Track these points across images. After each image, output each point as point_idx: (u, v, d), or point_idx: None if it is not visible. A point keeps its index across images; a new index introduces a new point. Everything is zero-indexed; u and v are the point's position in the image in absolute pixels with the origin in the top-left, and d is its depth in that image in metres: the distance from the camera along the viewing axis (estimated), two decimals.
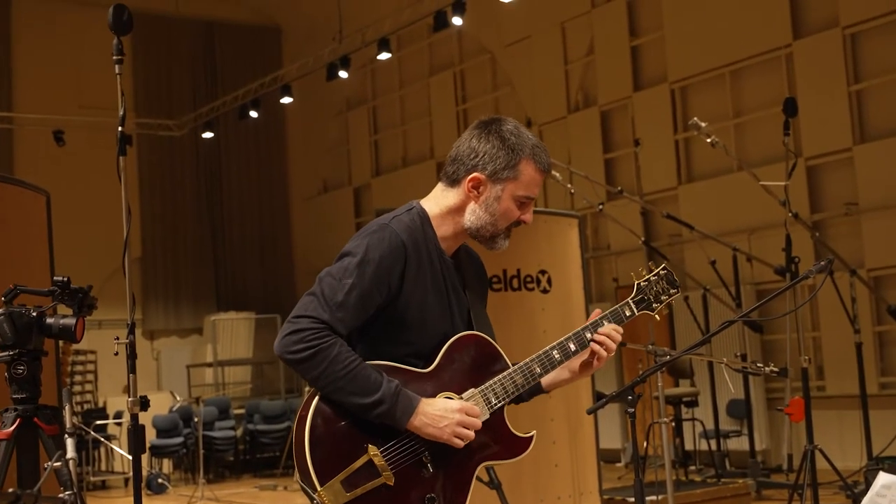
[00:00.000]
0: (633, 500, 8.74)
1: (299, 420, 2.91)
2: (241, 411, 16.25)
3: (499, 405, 3.02)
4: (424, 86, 18.11)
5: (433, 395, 2.97)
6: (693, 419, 10.94)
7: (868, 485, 7.93)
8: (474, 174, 3.06)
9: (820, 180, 12.27)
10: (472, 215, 3.06)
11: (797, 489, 6.76)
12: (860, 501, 7.32)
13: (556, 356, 3.11)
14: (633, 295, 3.26)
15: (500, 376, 3.04)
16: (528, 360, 3.09)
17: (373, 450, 2.88)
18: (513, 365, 3.09)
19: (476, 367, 3.05)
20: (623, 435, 13.13)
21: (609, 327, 3.16)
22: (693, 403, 10.71)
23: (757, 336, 11.92)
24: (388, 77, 19.06)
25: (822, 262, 3.47)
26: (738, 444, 11.62)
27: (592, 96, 15.05)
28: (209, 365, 18.30)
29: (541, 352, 3.10)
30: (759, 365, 5.58)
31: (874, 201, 11.48)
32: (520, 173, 3.04)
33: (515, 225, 3.11)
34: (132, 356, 3.68)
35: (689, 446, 11.37)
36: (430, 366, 3.01)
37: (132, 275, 3.90)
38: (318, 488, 2.82)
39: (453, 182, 3.11)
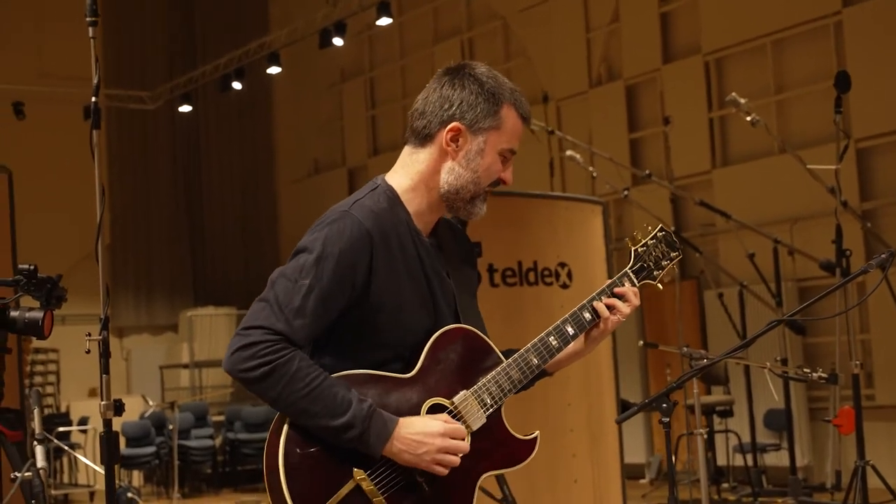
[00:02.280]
0: None
1: (269, 448, 2.78)
2: (221, 418, 16.26)
3: (495, 406, 2.93)
4: (428, 55, 18.06)
5: (419, 403, 2.86)
6: (727, 431, 10.94)
7: None
8: (452, 124, 2.93)
9: (872, 165, 12.25)
10: (451, 174, 2.94)
11: None
12: None
13: (554, 343, 3.02)
14: (630, 264, 3.17)
15: (494, 373, 2.94)
16: (522, 350, 3.00)
17: (359, 474, 2.77)
18: (506, 358, 3.00)
19: (465, 364, 2.94)
20: (647, 448, 13.13)
21: (625, 289, 3.09)
22: (728, 413, 10.71)
23: (799, 339, 11.90)
24: (387, 45, 19.03)
25: (883, 255, 3.45)
26: (777, 458, 11.61)
27: (617, 69, 15.02)
28: (185, 366, 18.32)
29: (536, 340, 3.01)
30: (805, 370, 5.56)
31: None
32: (503, 121, 2.93)
33: (495, 185, 2.99)
34: (105, 355, 3.67)
35: (721, 461, 11.38)
36: (412, 369, 2.88)
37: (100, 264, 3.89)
38: None
39: (423, 140, 2.98)
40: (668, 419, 3.64)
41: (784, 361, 9.86)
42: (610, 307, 3.07)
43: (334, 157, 20.34)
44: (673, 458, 9.27)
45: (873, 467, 6.71)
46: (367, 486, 2.76)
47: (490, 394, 2.91)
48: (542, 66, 15.86)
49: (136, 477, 15.27)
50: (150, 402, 13.48)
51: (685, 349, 5.38)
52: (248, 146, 20.97)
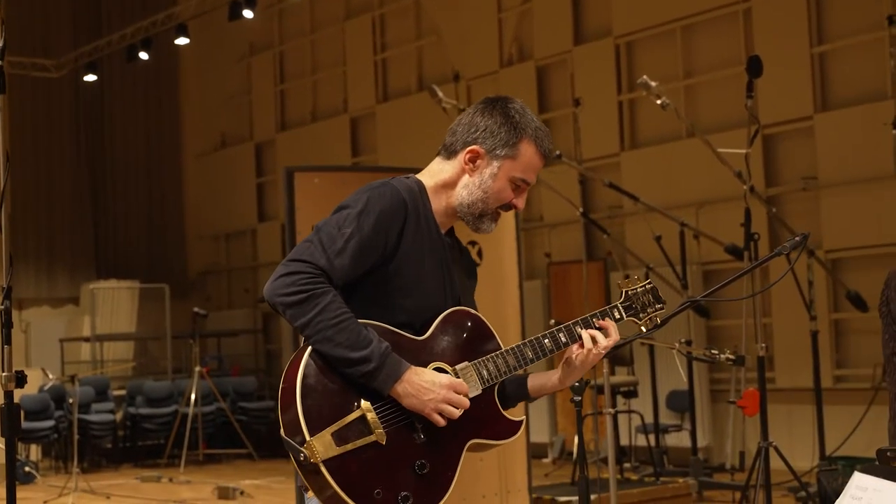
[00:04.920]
0: (563, 499, 8.81)
1: (289, 368, 3.06)
2: (122, 392, 16.03)
3: (490, 382, 3.21)
4: (339, 31, 17.93)
5: (424, 364, 3.14)
6: (630, 411, 11.03)
7: (821, 486, 8.08)
8: (472, 146, 3.27)
9: (777, 151, 12.42)
10: (465, 189, 3.28)
11: (747, 490, 6.84)
12: None
13: (548, 344, 3.28)
14: (621, 300, 3.46)
15: (493, 355, 3.23)
16: (518, 344, 3.27)
17: (366, 405, 3.03)
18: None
19: (469, 342, 3.25)
20: (551, 428, 13.20)
21: (610, 323, 3.34)
22: (632, 394, 10.80)
23: (703, 321, 12.05)
24: (297, 19, 18.84)
25: (797, 238, 3.48)
26: (679, 439, 11.75)
27: (528, 49, 15.03)
28: (86, 339, 17.99)
29: (531, 338, 3.29)
30: (713, 352, 5.62)
31: (834, 176, 11.64)
32: (519, 153, 3.26)
33: (506, 209, 3.33)
34: (7, 325, 3.56)
35: (624, 441, 11.47)
36: (423, 335, 3.20)
37: None
38: (308, 438, 2.95)
39: (450, 154, 3.33)
40: (579, 398, 3.63)
41: (689, 343, 9.95)
42: (593, 339, 3.30)
43: (242, 132, 20.10)
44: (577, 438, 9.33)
45: (776, 448, 6.81)
46: (372, 417, 3.03)
47: (488, 370, 3.21)
48: (453, 45, 15.82)
49: (34, 451, 14.98)
50: (50, 376, 13.22)
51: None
52: (154, 118, 20.62)
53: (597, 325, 3.32)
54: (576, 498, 8.09)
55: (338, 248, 3.07)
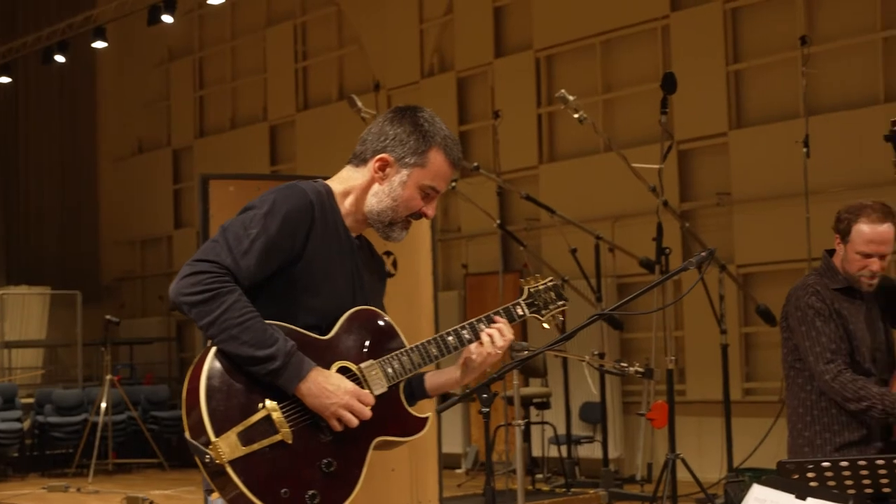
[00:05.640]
0: None
1: (193, 370, 3.07)
2: (30, 400, 15.75)
3: (396, 380, 3.24)
4: (260, 38, 17.84)
5: (329, 364, 3.17)
6: (543, 422, 11.09)
7: (728, 497, 8.20)
8: (382, 155, 3.30)
9: (692, 167, 12.59)
10: (375, 197, 3.30)
11: (655, 501, 6.92)
12: None
13: (451, 341, 3.33)
14: (524, 297, 3.50)
15: (398, 352, 3.27)
16: (422, 342, 3.31)
17: (272, 405, 3.05)
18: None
19: (374, 341, 3.28)
20: (465, 439, 13.22)
21: (503, 322, 3.39)
22: (545, 405, 10.86)
23: (616, 334, 12.15)
24: (218, 25, 18.72)
25: (704, 253, 3.54)
26: (591, 450, 11.84)
27: (449, 61, 15.09)
28: None
29: (436, 335, 3.34)
30: (623, 364, 5.68)
31: (747, 192, 11.83)
32: (428, 161, 3.30)
33: (416, 217, 3.36)
34: None
35: (536, 452, 11.54)
36: (327, 335, 3.22)
37: None
38: (213, 439, 2.95)
39: (360, 162, 3.35)
40: (487, 409, 3.66)
41: (602, 356, 10.04)
42: (491, 338, 3.35)
43: (159, 137, 19.91)
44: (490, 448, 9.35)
45: (683, 460, 6.89)
46: (277, 416, 3.05)
47: (393, 367, 3.24)
48: (374, 55, 15.82)
49: None
50: None
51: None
52: (70, 122, 20.33)
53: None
54: None
55: (244, 249, 3.08)
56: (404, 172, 3.29)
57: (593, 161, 13.05)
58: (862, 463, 3.52)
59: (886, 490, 3.52)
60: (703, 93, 12.17)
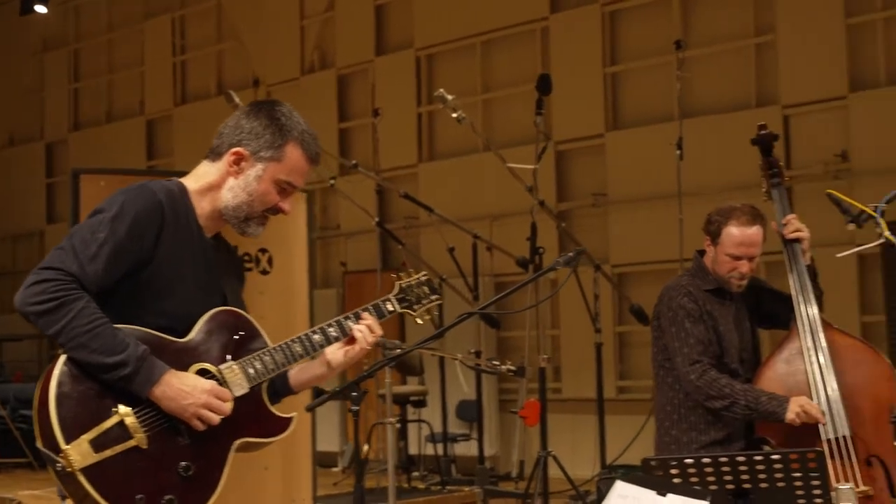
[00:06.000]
0: None
1: (44, 378, 2.99)
2: None
3: (258, 380, 3.20)
4: (137, 31, 17.56)
5: (187, 367, 3.11)
6: (420, 420, 11.12)
7: (600, 494, 8.30)
8: (237, 148, 3.26)
9: (569, 167, 12.73)
10: (230, 192, 3.25)
11: (527, 498, 6.99)
12: None
13: (317, 339, 3.30)
14: (395, 292, 3.50)
15: (260, 352, 3.23)
16: (287, 340, 3.28)
17: (125, 410, 2.99)
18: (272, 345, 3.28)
19: (235, 342, 3.23)
20: (342, 437, 13.19)
21: (371, 319, 3.38)
22: (421, 403, 10.89)
23: (493, 332, 12.23)
24: (94, 17, 18.37)
25: (570, 254, 3.58)
26: (467, 448, 11.90)
27: (330, 58, 15.03)
28: None
29: (301, 334, 3.30)
30: (494, 363, 5.73)
31: (623, 193, 12.02)
32: (284, 156, 3.26)
33: (274, 213, 3.31)
34: None
35: (413, 450, 11.56)
36: (185, 337, 3.17)
37: None
38: (64, 446, 2.89)
39: (216, 156, 3.32)
40: (357, 408, 3.67)
41: (478, 354, 10.11)
42: (357, 335, 3.35)
43: (31, 130, 19.45)
44: (366, 447, 9.36)
45: (554, 457, 6.97)
46: (131, 421, 2.99)
47: (254, 368, 3.19)
48: (254, 50, 15.69)
49: None
50: None
51: (379, 338, 5.41)
52: None
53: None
54: None
55: (91, 254, 3.03)
56: (260, 167, 3.25)
57: (473, 160, 13.12)
58: (723, 460, 3.59)
59: (747, 486, 3.60)
60: (581, 94, 12.32)
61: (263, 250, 6.78)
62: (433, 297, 3.57)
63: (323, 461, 12.63)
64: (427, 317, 3.56)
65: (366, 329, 3.34)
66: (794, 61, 11.18)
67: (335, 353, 3.34)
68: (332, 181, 9.49)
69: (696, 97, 11.61)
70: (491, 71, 13.51)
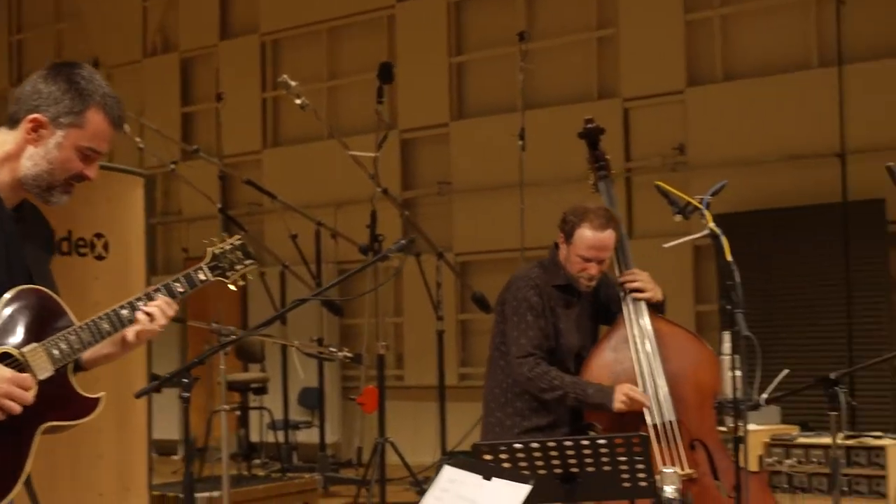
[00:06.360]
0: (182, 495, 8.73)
1: None
2: None
3: (63, 361, 3.07)
4: None
5: None
6: (262, 408, 11.05)
7: None
8: (34, 115, 3.08)
9: (414, 156, 12.79)
10: (30, 160, 3.08)
11: (364, 484, 7.01)
12: None
13: (125, 314, 3.17)
14: (207, 260, 3.39)
15: (66, 331, 3.09)
16: (94, 317, 3.14)
17: None
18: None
19: (38, 322, 3.07)
20: (182, 424, 13.03)
21: (162, 300, 3.23)
22: (262, 390, 10.82)
23: (337, 320, 12.22)
24: None
25: (403, 241, 3.61)
26: (309, 435, 11.88)
27: (173, 41, 14.80)
28: None
29: (108, 310, 3.17)
30: (332, 349, 5.73)
31: (467, 182, 12.12)
32: (86, 121, 3.09)
33: (78, 180, 3.16)
34: None
35: (255, 437, 11.49)
36: None
37: None
38: None
39: (13, 123, 3.12)
40: (188, 394, 3.63)
41: (320, 341, 10.10)
42: (152, 314, 3.20)
43: None
44: (207, 434, 9.23)
45: (392, 444, 7.00)
46: None
47: (59, 349, 3.05)
48: (94, 30, 15.35)
49: None
50: None
51: (214, 325, 5.38)
52: None
53: (177, 292, 3.27)
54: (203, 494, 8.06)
55: None
56: (60, 133, 3.09)
57: (318, 147, 13.07)
58: (551, 444, 3.67)
59: (574, 470, 3.68)
60: (427, 83, 12.39)
61: (99, 235, 6.65)
62: (247, 261, 3.45)
63: (163, 449, 12.47)
64: (242, 283, 3.46)
65: (155, 310, 3.21)
66: (635, 55, 11.42)
67: (127, 331, 3.21)
68: (172, 166, 9.37)
69: (540, 89, 11.77)
70: (337, 58, 13.48)
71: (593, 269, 4.85)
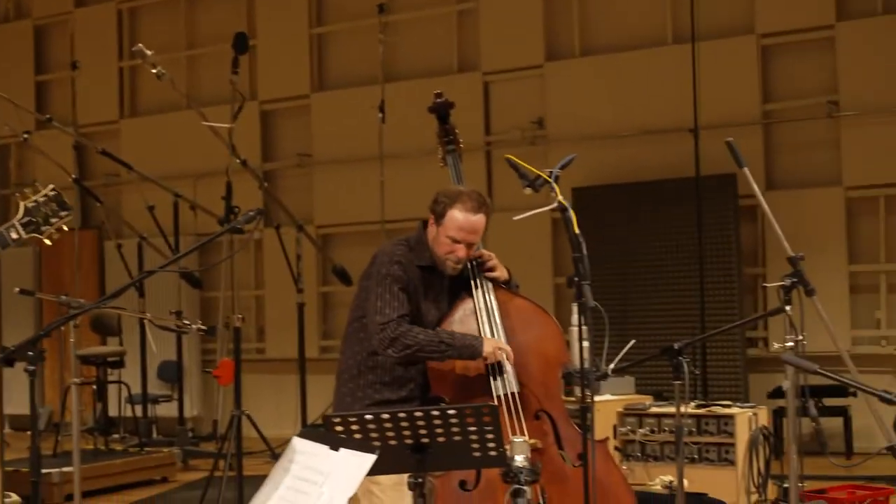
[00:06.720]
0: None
1: None
2: None
3: None
4: None
5: None
6: (119, 382, 10.90)
7: None
8: None
9: (275, 127, 12.70)
10: None
11: (222, 457, 6.99)
12: None
13: None
14: (19, 216, 3.27)
15: None
16: None
17: None
18: None
19: None
20: (40, 399, 12.78)
21: None
22: (119, 364, 10.66)
23: (196, 293, 12.10)
24: None
25: (251, 213, 3.59)
26: (169, 409, 11.76)
27: (26, 7, 14.42)
28: None
29: None
30: (186, 322, 5.69)
31: (327, 154, 12.10)
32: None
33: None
34: None
35: (113, 412, 11.33)
36: None
37: None
38: None
39: None
40: (33, 367, 3.58)
41: (179, 314, 9.99)
42: None
43: None
44: (63, 408, 9.05)
45: (249, 417, 6.99)
46: None
47: None
48: None
49: None
50: None
51: (63, 298, 5.28)
52: None
53: None
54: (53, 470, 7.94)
55: None
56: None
57: (176, 118, 12.86)
58: (402, 415, 3.70)
59: (425, 440, 3.71)
60: (287, 54, 12.32)
61: None
62: (63, 213, 3.37)
63: (20, 424, 12.22)
64: (57, 235, 3.33)
65: None
66: (495, 29, 11.50)
67: None
68: (25, 136, 9.15)
69: (400, 61, 11.80)
70: (196, 27, 13.30)
71: (461, 251, 4.84)
